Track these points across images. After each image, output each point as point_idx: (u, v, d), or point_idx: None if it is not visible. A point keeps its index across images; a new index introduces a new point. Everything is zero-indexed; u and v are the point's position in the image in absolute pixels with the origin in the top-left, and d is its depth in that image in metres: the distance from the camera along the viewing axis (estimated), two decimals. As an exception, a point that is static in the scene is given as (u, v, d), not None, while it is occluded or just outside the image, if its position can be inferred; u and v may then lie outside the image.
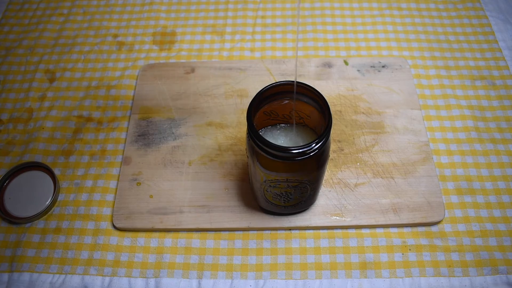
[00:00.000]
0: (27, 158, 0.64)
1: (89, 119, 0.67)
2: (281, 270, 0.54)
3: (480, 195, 0.59)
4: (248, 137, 0.44)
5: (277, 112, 0.48)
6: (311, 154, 0.41)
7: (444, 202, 0.58)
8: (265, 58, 0.72)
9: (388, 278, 0.53)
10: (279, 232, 0.57)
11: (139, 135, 0.64)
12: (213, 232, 0.57)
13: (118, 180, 0.61)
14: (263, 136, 0.41)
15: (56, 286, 0.54)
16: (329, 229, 0.57)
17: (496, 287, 0.52)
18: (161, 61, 0.72)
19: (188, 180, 0.60)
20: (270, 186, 0.48)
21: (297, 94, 0.45)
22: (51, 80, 0.72)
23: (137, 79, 0.70)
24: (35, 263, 0.55)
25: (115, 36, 0.78)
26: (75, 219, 0.58)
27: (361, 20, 0.79)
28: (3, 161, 0.64)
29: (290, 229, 0.57)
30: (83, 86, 0.71)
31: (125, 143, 0.64)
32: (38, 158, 0.64)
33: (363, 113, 0.65)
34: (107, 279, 0.54)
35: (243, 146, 0.63)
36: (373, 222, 0.56)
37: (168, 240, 0.56)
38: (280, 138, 0.50)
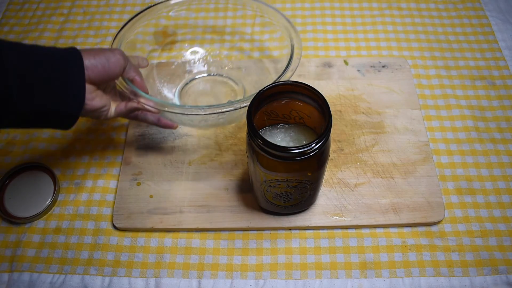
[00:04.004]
0: (27, 158, 0.64)
1: (89, 119, 0.67)
2: (281, 270, 0.54)
3: (480, 195, 0.59)
4: (248, 137, 0.44)
5: (277, 112, 0.48)
6: (311, 154, 0.41)
7: (444, 202, 0.58)
8: (264, 58, 0.72)
9: (388, 278, 0.53)
10: (279, 232, 0.57)
11: (139, 135, 0.64)
12: (213, 232, 0.57)
13: (118, 180, 0.61)
14: (263, 136, 0.41)
15: (56, 286, 0.54)
16: (329, 229, 0.57)
17: (496, 287, 0.52)
18: (162, 61, 0.72)
19: (188, 180, 0.60)
20: (270, 186, 0.48)
21: (297, 94, 0.46)
22: (51, 80, 0.72)
23: (137, 79, 0.70)
24: (35, 263, 0.55)
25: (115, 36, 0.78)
26: (75, 219, 0.58)
27: (361, 20, 0.79)
28: (3, 161, 0.64)
29: (290, 229, 0.57)
30: (83, 86, 0.71)
31: (125, 143, 0.64)
32: (38, 158, 0.64)
33: (363, 113, 0.65)
34: (107, 279, 0.54)
35: (243, 146, 0.63)
36: (373, 222, 0.56)
37: (168, 240, 0.56)
38: (280, 138, 0.50)
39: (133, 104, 0.52)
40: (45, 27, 0.79)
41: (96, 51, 0.47)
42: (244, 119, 0.57)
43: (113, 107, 0.51)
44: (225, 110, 0.50)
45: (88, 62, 0.45)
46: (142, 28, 0.65)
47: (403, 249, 0.55)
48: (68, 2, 0.83)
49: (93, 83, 0.46)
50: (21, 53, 0.40)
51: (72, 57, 0.44)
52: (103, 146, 0.65)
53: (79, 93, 0.44)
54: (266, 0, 0.82)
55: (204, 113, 0.50)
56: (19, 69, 0.40)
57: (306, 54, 0.74)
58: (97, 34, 0.78)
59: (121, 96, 0.53)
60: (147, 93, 0.54)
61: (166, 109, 0.51)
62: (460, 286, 0.53)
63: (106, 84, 0.50)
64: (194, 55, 0.71)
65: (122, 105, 0.52)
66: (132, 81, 0.52)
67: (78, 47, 0.46)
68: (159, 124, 0.56)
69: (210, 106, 0.50)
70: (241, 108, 0.51)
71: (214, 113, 0.50)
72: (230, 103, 0.50)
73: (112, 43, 0.59)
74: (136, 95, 0.52)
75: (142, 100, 0.51)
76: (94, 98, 0.46)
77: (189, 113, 0.51)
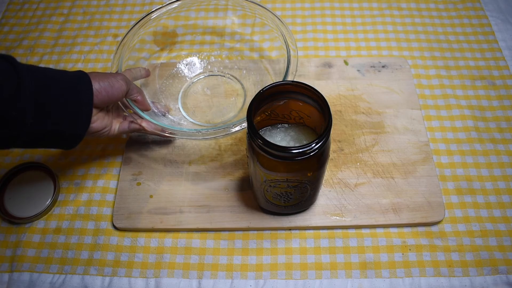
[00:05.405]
0: (27, 158, 0.64)
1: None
2: (281, 270, 0.54)
3: (480, 195, 0.59)
4: (248, 137, 0.44)
5: (277, 112, 0.48)
6: (311, 154, 0.41)
7: (444, 202, 0.58)
8: (263, 58, 0.72)
9: (388, 278, 0.53)
10: (279, 232, 0.57)
11: (139, 135, 0.64)
12: (213, 232, 0.57)
13: (118, 180, 0.61)
14: (263, 136, 0.41)
15: (56, 286, 0.54)
16: (329, 229, 0.57)
17: (496, 287, 0.52)
18: (162, 61, 0.72)
19: (188, 180, 0.60)
20: (270, 186, 0.48)
21: (297, 94, 0.46)
22: (51, 80, 0.72)
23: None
24: (35, 263, 0.55)
25: (115, 36, 0.78)
26: (75, 219, 0.58)
27: (361, 20, 0.79)
28: (3, 161, 0.64)
29: (290, 229, 0.57)
30: (83, 86, 0.71)
31: (125, 143, 0.64)
32: (38, 158, 0.64)
33: (363, 113, 0.65)
34: (107, 279, 0.54)
35: (243, 146, 0.63)
36: (373, 222, 0.56)
37: (168, 240, 0.56)
38: (280, 138, 0.50)
39: (135, 126, 0.55)
40: (45, 27, 0.79)
41: (100, 76, 0.49)
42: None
43: (117, 125, 0.54)
44: (221, 135, 0.54)
45: (93, 87, 0.47)
46: (143, 32, 0.66)
47: (403, 249, 0.55)
48: (68, 2, 0.83)
49: (95, 106, 0.48)
50: (35, 76, 0.43)
51: (81, 81, 0.47)
52: (103, 146, 0.65)
53: (87, 115, 0.47)
54: (266, 0, 0.82)
55: (202, 137, 0.54)
56: (34, 92, 0.42)
57: (306, 54, 0.74)
58: (97, 34, 0.78)
59: (123, 109, 0.56)
60: (149, 109, 0.58)
61: (166, 133, 0.55)
62: (460, 286, 0.53)
63: (107, 106, 0.53)
64: (195, 55, 0.72)
65: (125, 125, 0.55)
66: (134, 101, 0.56)
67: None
68: (161, 135, 0.58)
69: (207, 129, 0.54)
70: (236, 131, 0.54)
71: (211, 137, 0.55)
72: (227, 125, 0.54)
73: (116, 51, 0.60)
74: (139, 117, 0.56)
75: (144, 124, 0.55)
76: (95, 121, 0.49)
77: (187, 137, 0.55)
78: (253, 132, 0.41)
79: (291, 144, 0.49)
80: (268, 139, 0.41)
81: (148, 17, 0.65)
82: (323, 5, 0.81)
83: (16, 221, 0.58)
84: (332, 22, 0.78)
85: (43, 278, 0.54)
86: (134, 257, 0.55)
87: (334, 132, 0.63)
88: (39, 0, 0.83)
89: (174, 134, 0.55)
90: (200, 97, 0.68)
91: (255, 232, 0.57)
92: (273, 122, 0.50)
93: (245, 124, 0.54)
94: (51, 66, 0.74)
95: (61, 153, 0.64)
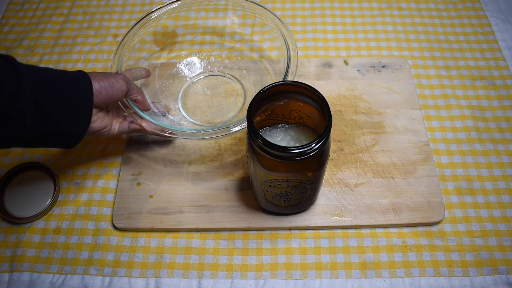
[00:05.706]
0: (27, 158, 0.64)
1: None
2: (281, 270, 0.54)
3: (480, 195, 0.59)
4: (248, 137, 0.44)
5: (277, 112, 0.48)
6: (311, 154, 0.41)
7: (444, 202, 0.58)
8: (263, 58, 0.72)
9: (388, 278, 0.53)
10: (279, 232, 0.57)
11: (139, 135, 0.64)
12: (213, 232, 0.57)
13: (118, 180, 0.61)
14: (263, 136, 0.41)
15: (56, 286, 0.54)
16: (329, 229, 0.57)
17: (496, 287, 0.52)
18: (162, 61, 0.72)
19: (188, 180, 0.60)
20: (270, 186, 0.48)
21: (297, 94, 0.46)
22: (51, 80, 0.72)
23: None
24: (35, 263, 0.55)
25: (115, 36, 0.78)
26: (75, 219, 0.58)
27: (361, 20, 0.79)
28: (3, 161, 0.64)
29: (290, 229, 0.57)
30: (83, 86, 0.71)
31: (125, 143, 0.64)
32: (38, 158, 0.64)
33: (363, 113, 0.65)
34: (107, 279, 0.54)
35: (243, 146, 0.63)
36: (373, 222, 0.56)
37: (168, 240, 0.56)
38: (279, 138, 0.50)
39: (135, 126, 0.55)
40: (45, 27, 0.79)
41: (101, 76, 0.49)
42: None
43: (117, 125, 0.54)
44: (221, 135, 0.54)
45: (93, 86, 0.47)
46: (143, 32, 0.66)
47: (403, 249, 0.55)
48: (68, 2, 0.83)
49: (95, 106, 0.48)
50: (35, 76, 0.43)
51: (82, 80, 0.47)
52: (103, 146, 0.65)
53: (87, 115, 0.47)
54: (266, 0, 0.82)
55: (202, 137, 0.54)
56: (34, 92, 0.42)
57: (306, 54, 0.74)
58: (97, 34, 0.78)
59: (123, 109, 0.56)
60: (149, 109, 0.58)
61: (166, 133, 0.55)
62: (460, 286, 0.53)
63: (107, 106, 0.53)
64: (195, 55, 0.72)
65: (125, 125, 0.55)
66: (135, 101, 0.56)
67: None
68: (161, 135, 0.58)
69: (208, 129, 0.54)
70: (236, 131, 0.54)
71: (211, 137, 0.55)
72: (227, 126, 0.54)
73: (116, 51, 0.61)
74: (139, 117, 0.56)
75: (144, 124, 0.55)
76: (95, 121, 0.49)
77: (187, 137, 0.55)
78: (253, 132, 0.41)
79: (291, 144, 0.49)
80: (268, 139, 0.41)
81: (148, 17, 0.65)
82: (323, 5, 0.81)
83: (16, 221, 0.58)
84: (332, 22, 0.78)
85: (43, 278, 0.54)
86: (134, 257, 0.55)
87: (334, 132, 0.63)
88: (39, 0, 0.83)
89: (174, 134, 0.55)
90: (200, 97, 0.68)
91: (255, 232, 0.57)
92: (273, 122, 0.50)
93: (245, 124, 0.54)
94: (51, 66, 0.74)
95: (61, 153, 0.64)
